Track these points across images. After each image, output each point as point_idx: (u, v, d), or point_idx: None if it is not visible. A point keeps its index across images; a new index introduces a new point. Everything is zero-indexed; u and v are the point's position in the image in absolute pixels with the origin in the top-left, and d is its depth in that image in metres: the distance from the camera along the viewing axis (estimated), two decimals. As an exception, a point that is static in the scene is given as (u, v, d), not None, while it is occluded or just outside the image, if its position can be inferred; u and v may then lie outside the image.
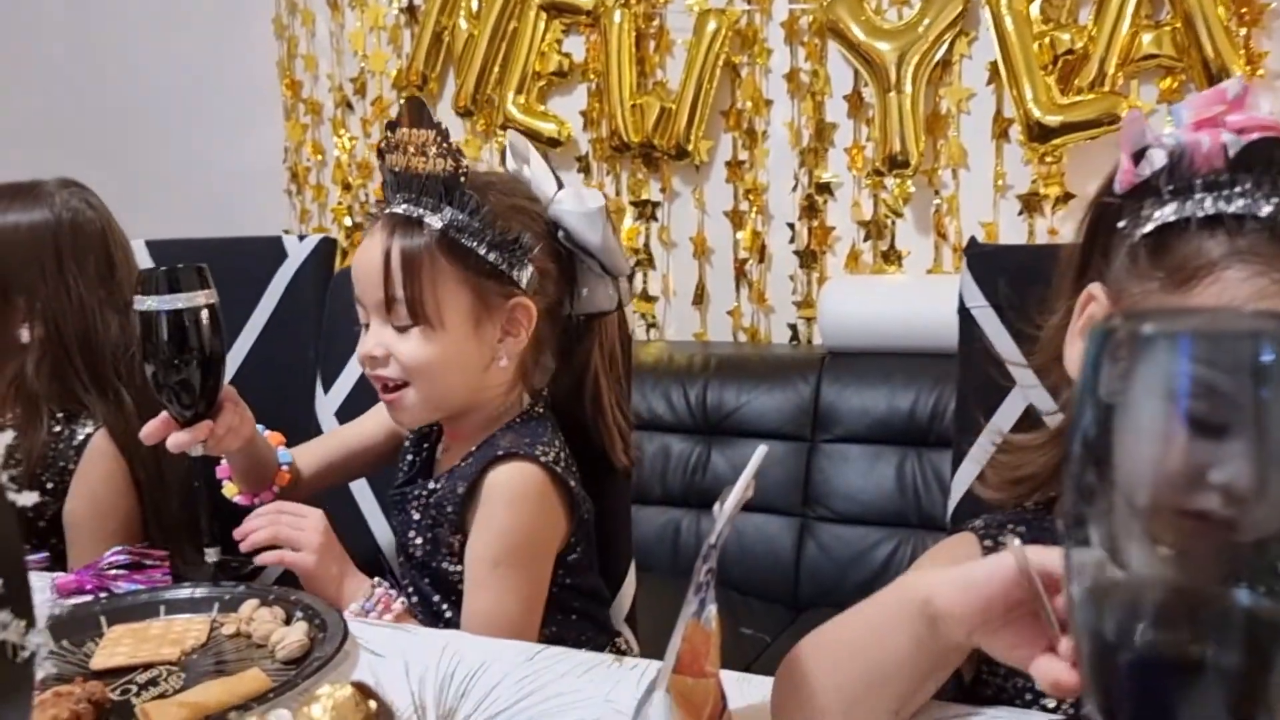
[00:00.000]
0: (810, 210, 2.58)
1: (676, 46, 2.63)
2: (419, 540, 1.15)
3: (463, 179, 1.07)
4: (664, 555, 2.28)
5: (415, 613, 1.12)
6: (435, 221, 1.07)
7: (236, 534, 1.10)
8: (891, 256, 2.53)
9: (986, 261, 1.16)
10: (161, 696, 0.83)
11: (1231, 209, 0.66)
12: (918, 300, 2.33)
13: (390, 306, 1.07)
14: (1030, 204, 2.38)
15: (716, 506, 0.65)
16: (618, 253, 1.14)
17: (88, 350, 1.30)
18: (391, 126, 1.11)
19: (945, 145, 2.45)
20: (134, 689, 0.85)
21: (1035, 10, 2.32)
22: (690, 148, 2.61)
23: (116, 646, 0.91)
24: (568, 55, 2.74)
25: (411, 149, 1.08)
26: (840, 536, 2.23)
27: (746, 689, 0.79)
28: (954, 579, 0.64)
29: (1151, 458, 0.32)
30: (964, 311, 1.15)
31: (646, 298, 2.75)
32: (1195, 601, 0.30)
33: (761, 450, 0.66)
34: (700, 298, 2.70)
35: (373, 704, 0.57)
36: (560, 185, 1.14)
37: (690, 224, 2.69)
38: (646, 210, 2.72)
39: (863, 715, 0.69)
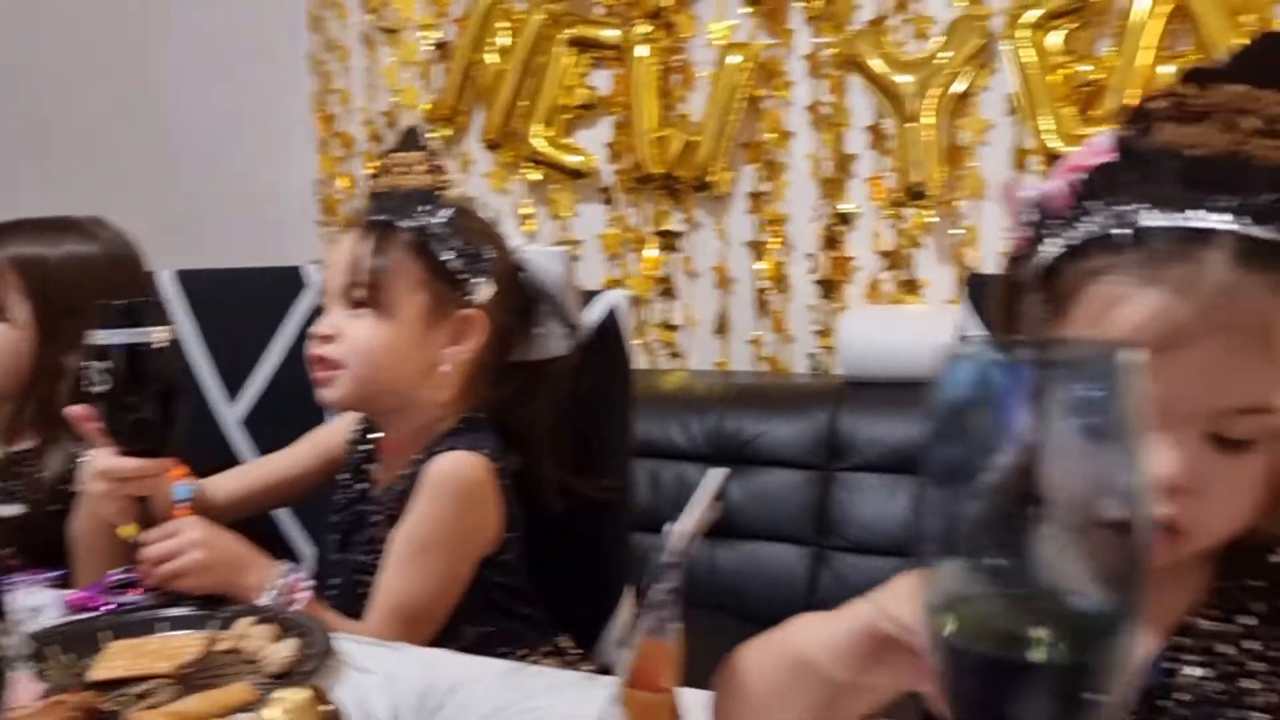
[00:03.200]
0: (831, 241, 2.60)
1: (700, 80, 2.67)
2: (363, 544, 1.19)
3: (440, 192, 1.16)
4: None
5: (327, 605, 1.15)
6: (408, 224, 1.15)
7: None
8: (911, 287, 2.54)
9: (987, 291, 1.18)
10: (153, 708, 0.86)
11: (1083, 235, 0.71)
12: (937, 330, 2.32)
13: (350, 291, 1.15)
14: (1049, 235, 2.38)
15: (668, 526, 0.68)
16: (575, 297, 1.22)
17: None
18: (386, 153, 1.18)
19: (965, 176, 2.46)
20: (126, 699, 0.88)
21: (1056, 40, 2.34)
22: (712, 179, 2.64)
23: (115, 660, 0.95)
24: (593, 89, 2.78)
25: (399, 169, 1.18)
26: (856, 566, 2.23)
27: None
28: (825, 642, 0.69)
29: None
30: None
31: (669, 327, 2.77)
32: (1032, 606, 0.32)
33: (715, 473, 0.68)
34: (722, 327, 2.73)
35: (328, 707, 0.60)
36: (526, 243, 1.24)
37: (712, 254, 2.72)
38: (669, 241, 2.75)
39: None
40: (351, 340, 1.14)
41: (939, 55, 2.42)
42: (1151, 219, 0.68)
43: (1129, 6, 2.25)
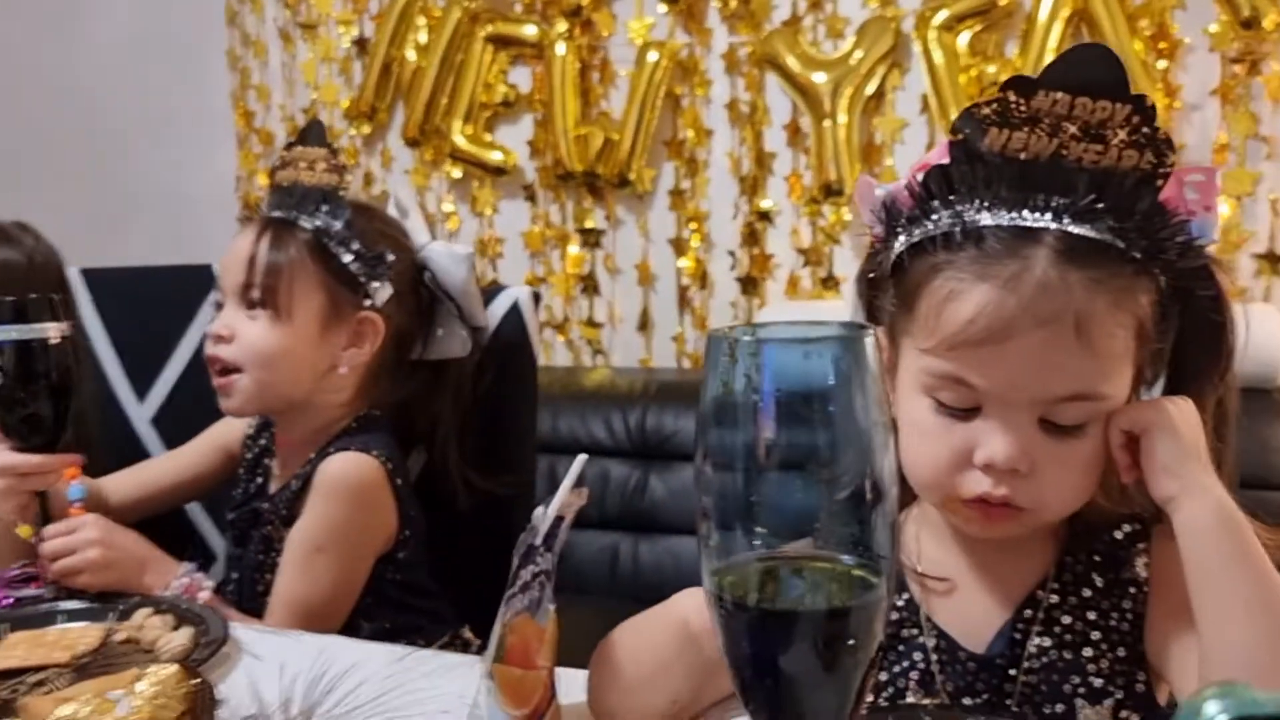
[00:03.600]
0: (751, 237, 2.64)
1: (619, 78, 2.70)
2: (257, 547, 1.19)
3: (342, 192, 1.15)
4: (601, 579, 2.32)
5: (229, 600, 1.16)
6: (307, 223, 1.15)
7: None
8: (830, 283, 2.60)
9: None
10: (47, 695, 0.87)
11: (924, 233, 0.76)
12: (852, 325, 2.38)
13: (247, 290, 1.14)
14: (959, 231, 2.45)
15: (539, 510, 0.71)
16: (477, 299, 1.22)
17: None
18: (289, 146, 1.18)
19: (881, 174, 2.52)
20: (23, 689, 0.89)
21: (964, 43, 2.40)
22: (633, 176, 2.67)
23: (12, 651, 0.96)
24: (513, 86, 2.80)
25: (302, 164, 1.17)
26: (772, 555, 2.27)
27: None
28: (698, 608, 0.72)
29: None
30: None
31: (592, 324, 2.80)
32: (799, 566, 0.36)
33: (581, 459, 0.71)
34: (644, 324, 2.76)
35: (195, 681, 0.62)
36: (433, 239, 1.23)
37: (634, 251, 2.75)
38: (591, 238, 2.78)
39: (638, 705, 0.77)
40: (246, 342, 1.14)
41: (853, 54, 2.47)
42: (984, 218, 0.72)
43: (1034, 11, 2.33)
